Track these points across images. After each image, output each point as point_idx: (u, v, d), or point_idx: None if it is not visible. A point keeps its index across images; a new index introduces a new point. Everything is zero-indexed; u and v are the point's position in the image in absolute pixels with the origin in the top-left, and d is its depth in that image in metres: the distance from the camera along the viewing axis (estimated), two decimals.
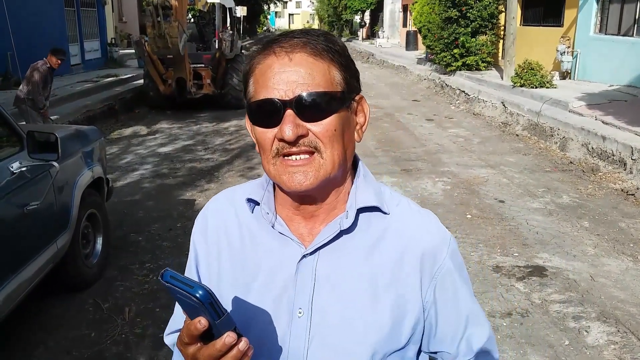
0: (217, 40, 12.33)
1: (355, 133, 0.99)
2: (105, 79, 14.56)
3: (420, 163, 7.70)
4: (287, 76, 0.88)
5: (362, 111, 1.00)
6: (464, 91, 13.60)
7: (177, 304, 1.13)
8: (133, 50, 16.22)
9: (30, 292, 3.26)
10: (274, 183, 1.01)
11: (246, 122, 0.99)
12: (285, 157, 0.91)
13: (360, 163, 1.04)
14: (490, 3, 15.27)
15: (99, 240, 4.30)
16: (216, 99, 12.46)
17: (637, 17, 11.36)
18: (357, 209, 0.98)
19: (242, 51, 15.27)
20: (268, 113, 0.90)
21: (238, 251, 1.03)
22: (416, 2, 18.27)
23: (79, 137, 4.15)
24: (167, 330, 1.17)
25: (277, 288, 0.98)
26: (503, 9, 14.97)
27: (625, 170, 6.92)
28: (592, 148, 7.75)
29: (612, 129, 7.93)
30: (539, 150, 8.53)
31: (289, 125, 0.88)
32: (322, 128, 0.90)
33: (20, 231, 3.11)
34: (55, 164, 3.29)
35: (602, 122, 8.39)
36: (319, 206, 0.98)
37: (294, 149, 0.90)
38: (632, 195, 6.17)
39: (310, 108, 0.89)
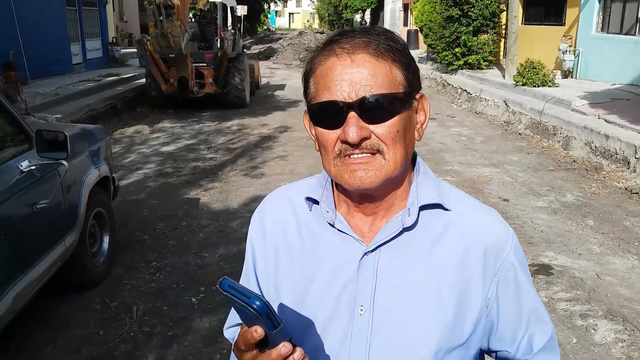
0: (219, 40, 12.32)
1: (416, 132, 0.98)
2: (107, 78, 14.55)
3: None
4: (350, 77, 0.88)
5: (423, 109, 0.99)
6: (465, 90, 13.60)
7: None
8: (134, 50, 16.21)
9: (39, 290, 3.26)
10: (332, 181, 1.02)
11: (304, 120, 1.00)
12: (347, 157, 0.90)
13: (418, 159, 1.03)
14: (491, 2, 15.27)
15: (106, 239, 4.31)
16: (218, 98, 12.47)
17: (639, 15, 11.36)
18: (419, 207, 0.97)
19: (244, 50, 15.26)
20: (331, 115, 0.90)
21: (297, 250, 1.03)
22: (417, 1, 18.25)
23: (86, 135, 4.15)
24: (226, 325, 1.19)
25: (338, 286, 0.98)
26: (504, 8, 14.96)
27: (628, 169, 6.92)
28: (595, 147, 7.76)
29: (615, 128, 7.94)
30: (542, 149, 8.54)
31: (353, 127, 0.87)
32: (385, 130, 0.89)
33: (30, 229, 3.12)
34: (64, 162, 3.30)
35: (605, 120, 8.39)
36: (379, 204, 0.98)
37: (357, 151, 0.90)
38: (636, 194, 6.17)
39: (374, 110, 0.88)
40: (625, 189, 6.37)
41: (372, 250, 0.96)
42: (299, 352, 0.80)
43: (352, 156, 0.90)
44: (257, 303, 0.76)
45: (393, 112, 0.90)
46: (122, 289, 4.08)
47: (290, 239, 1.04)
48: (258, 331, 0.79)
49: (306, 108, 0.97)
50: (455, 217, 0.99)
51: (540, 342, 1.03)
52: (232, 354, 1.10)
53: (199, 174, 7.21)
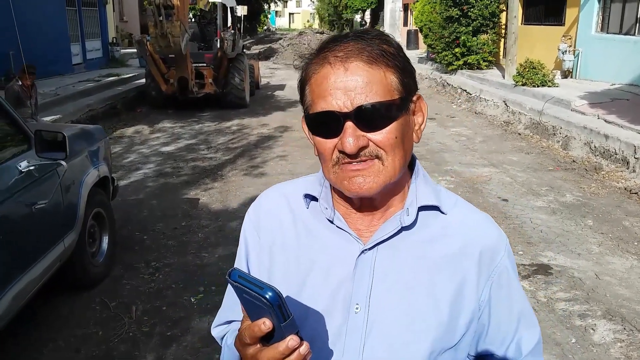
0: (218, 40, 12.33)
1: (414, 134, 0.97)
2: (107, 78, 14.56)
3: (423, 162, 7.69)
4: (345, 86, 0.87)
5: (421, 110, 0.98)
6: (465, 90, 13.60)
7: (226, 297, 1.13)
8: (134, 50, 16.20)
9: (38, 290, 3.27)
10: None
11: (302, 126, 0.99)
12: (345, 164, 0.90)
13: (417, 162, 1.03)
14: (491, 2, 15.27)
15: (105, 239, 4.31)
16: (218, 98, 12.48)
17: (638, 16, 11.36)
18: (418, 207, 0.98)
19: (244, 50, 15.26)
20: (328, 124, 0.89)
21: (292, 246, 1.03)
22: (417, 1, 18.26)
23: (85, 136, 4.16)
24: (215, 322, 1.16)
25: (333, 283, 0.98)
26: (504, 8, 14.96)
27: (628, 169, 6.93)
28: (595, 147, 7.76)
29: (614, 128, 7.94)
30: (541, 149, 8.54)
31: (350, 137, 0.87)
32: (383, 137, 0.89)
33: (29, 230, 3.12)
34: (63, 162, 3.30)
35: (605, 120, 8.39)
36: (377, 205, 0.98)
37: (355, 159, 0.89)
38: (635, 193, 6.17)
39: (370, 118, 0.87)
40: (625, 188, 6.37)
41: (370, 249, 0.96)
42: (305, 346, 0.79)
43: (350, 163, 0.90)
44: (270, 294, 0.75)
45: (390, 119, 0.89)
46: (121, 289, 4.08)
47: (286, 235, 1.04)
48: (267, 323, 0.78)
49: (303, 115, 0.97)
50: (451, 220, 1.00)
51: (529, 346, 1.04)
52: (226, 345, 1.08)
53: (199, 174, 7.22)
